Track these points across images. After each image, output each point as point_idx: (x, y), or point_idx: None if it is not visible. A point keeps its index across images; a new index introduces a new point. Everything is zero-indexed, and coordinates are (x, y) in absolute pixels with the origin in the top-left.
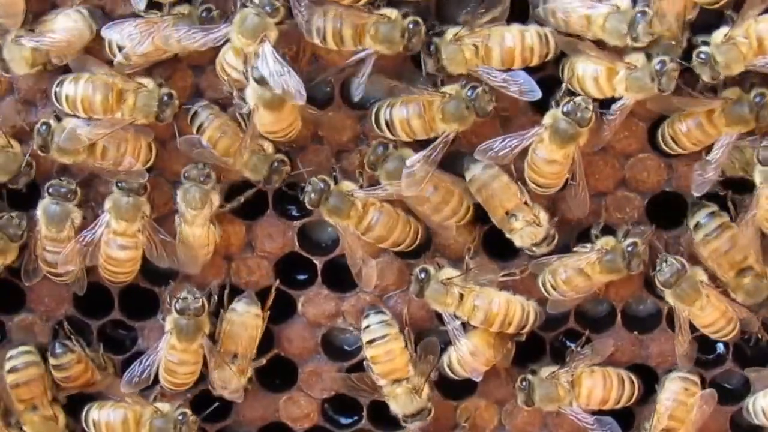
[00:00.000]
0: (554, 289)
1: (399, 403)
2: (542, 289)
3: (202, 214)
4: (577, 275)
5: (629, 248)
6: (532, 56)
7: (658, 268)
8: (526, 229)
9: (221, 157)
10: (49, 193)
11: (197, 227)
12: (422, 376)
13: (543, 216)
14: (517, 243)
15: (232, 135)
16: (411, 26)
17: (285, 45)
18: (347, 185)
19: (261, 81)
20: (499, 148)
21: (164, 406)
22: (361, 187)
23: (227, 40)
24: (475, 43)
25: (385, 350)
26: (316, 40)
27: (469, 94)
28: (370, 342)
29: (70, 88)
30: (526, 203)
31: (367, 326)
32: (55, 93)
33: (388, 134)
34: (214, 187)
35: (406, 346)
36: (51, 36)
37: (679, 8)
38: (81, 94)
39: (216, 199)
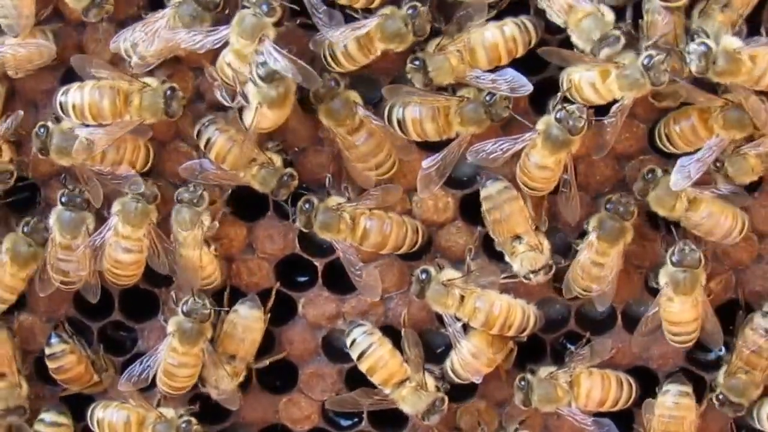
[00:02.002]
0: (584, 290)
1: (409, 404)
2: (577, 295)
3: (192, 234)
4: (592, 267)
5: (608, 207)
6: (516, 46)
7: (679, 247)
8: (528, 254)
9: (230, 172)
10: (63, 203)
11: (189, 248)
12: (419, 370)
13: (546, 244)
14: (515, 267)
15: (240, 147)
16: (410, 12)
17: (284, 46)
18: (333, 200)
19: (268, 77)
20: (490, 150)
21: (168, 412)
22: (348, 199)
23: (227, 42)
24: (458, 48)
25: (375, 359)
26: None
27: (488, 99)
28: (360, 356)
29: (76, 96)
30: (534, 229)
31: (353, 341)
32: (61, 103)
33: (399, 133)
34: (206, 208)
35: (395, 347)
36: (15, 49)
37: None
38: (88, 101)
39: (207, 220)
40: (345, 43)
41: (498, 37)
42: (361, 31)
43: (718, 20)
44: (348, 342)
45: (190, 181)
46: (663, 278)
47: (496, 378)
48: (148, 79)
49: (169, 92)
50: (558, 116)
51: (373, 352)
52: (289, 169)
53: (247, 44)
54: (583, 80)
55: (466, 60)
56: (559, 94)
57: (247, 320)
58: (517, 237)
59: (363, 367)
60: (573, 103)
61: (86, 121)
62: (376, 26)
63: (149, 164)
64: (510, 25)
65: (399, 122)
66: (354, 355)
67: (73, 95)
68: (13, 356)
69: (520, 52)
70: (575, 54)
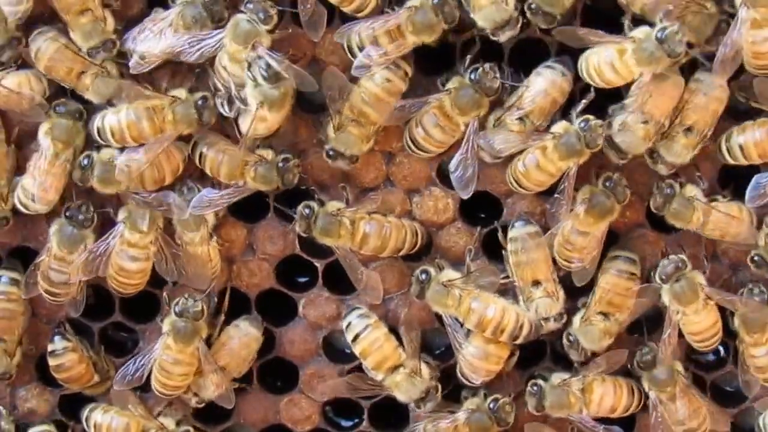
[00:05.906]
0: (565, 260)
1: (402, 390)
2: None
3: (199, 235)
4: (575, 237)
5: (607, 184)
6: (395, 85)
7: (660, 263)
8: (544, 300)
9: (233, 187)
10: (67, 217)
11: (197, 246)
12: (415, 356)
13: (562, 294)
14: (530, 312)
15: (231, 157)
16: (436, 2)
17: (280, 49)
18: (333, 205)
19: (272, 78)
20: (501, 140)
21: (169, 423)
22: (347, 202)
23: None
24: (351, 118)
25: (370, 341)
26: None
27: (473, 77)
28: (355, 338)
29: (113, 120)
30: (553, 278)
31: (348, 324)
32: (98, 129)
33: (419, 153)
34: None
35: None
36: (9, 91)
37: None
38: (125, 123)
39: (211, 218)
40: (375, 35)
41: (371, 86)
42: (390, 24)
43: (681, 143)
44: (344, 325)
45: (182, 185)
46: (666, 297)
47: (497, 377)
48: (175, 92)
49: (201, 102)
50: (582, 125)
51: (368, 334)
52: (282, 155)
53: (240, 50)
54: (602, 62)
55: (363, 122)
56: (583, 101)
57: (246, 337)
58: (537, 282)
59: (357, 349)
60: (594, 116)
61: (126, 143)
62: (407, 19)
63: (184, 162)
64: (378, 71)
65: (414, 142)
66: (349, 338)
67: (110, 119)
68: None
69: (402, 87)
70: (592, 32)
